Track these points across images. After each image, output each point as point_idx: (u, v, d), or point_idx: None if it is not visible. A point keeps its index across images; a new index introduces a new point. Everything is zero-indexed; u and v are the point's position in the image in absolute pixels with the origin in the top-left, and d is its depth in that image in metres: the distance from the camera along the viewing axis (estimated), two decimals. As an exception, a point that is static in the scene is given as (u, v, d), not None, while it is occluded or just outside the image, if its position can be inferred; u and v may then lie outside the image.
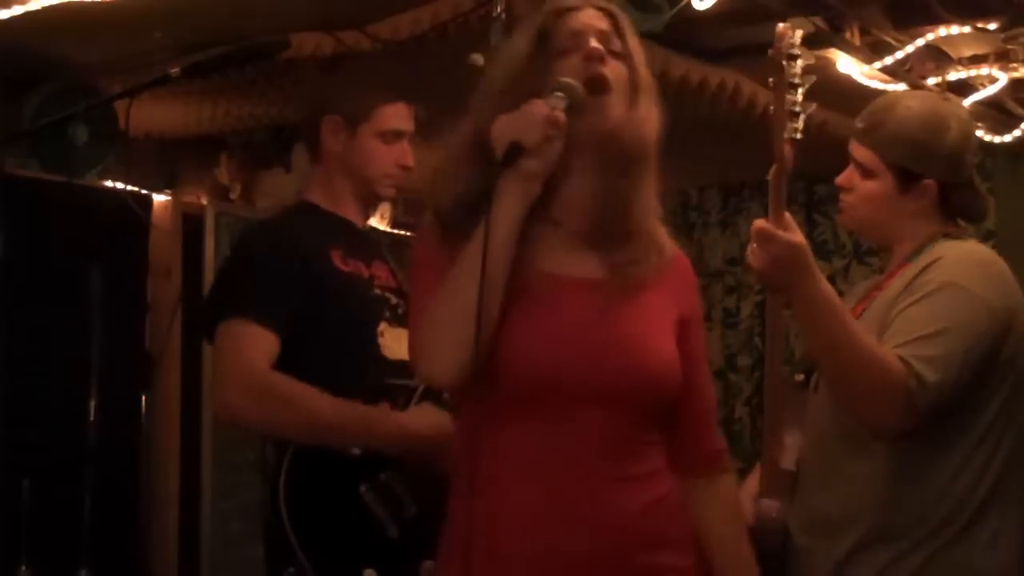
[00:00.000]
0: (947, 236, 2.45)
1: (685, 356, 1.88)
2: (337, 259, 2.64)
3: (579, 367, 1.76)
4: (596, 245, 1.85)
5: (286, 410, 2.49)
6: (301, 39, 3.51)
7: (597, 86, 1.80)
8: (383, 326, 2.64)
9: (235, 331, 2.52)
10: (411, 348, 1.85)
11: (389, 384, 2.59)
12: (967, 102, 4.57)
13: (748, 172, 5.68)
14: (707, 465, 1.96)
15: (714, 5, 3.38)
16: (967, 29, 3.96)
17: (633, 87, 1.84)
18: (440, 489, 2.56)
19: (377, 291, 2.69)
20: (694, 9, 3.37)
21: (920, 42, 4.04)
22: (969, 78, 4.42)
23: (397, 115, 2.71)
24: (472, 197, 1.77)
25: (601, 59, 1.81)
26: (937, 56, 4.27)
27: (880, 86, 4.12)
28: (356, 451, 2.49)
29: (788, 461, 2.49)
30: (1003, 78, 4.39)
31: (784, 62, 2.11)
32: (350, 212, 2.75)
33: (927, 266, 2.36)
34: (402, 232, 5.69)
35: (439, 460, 2.51)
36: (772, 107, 2.15)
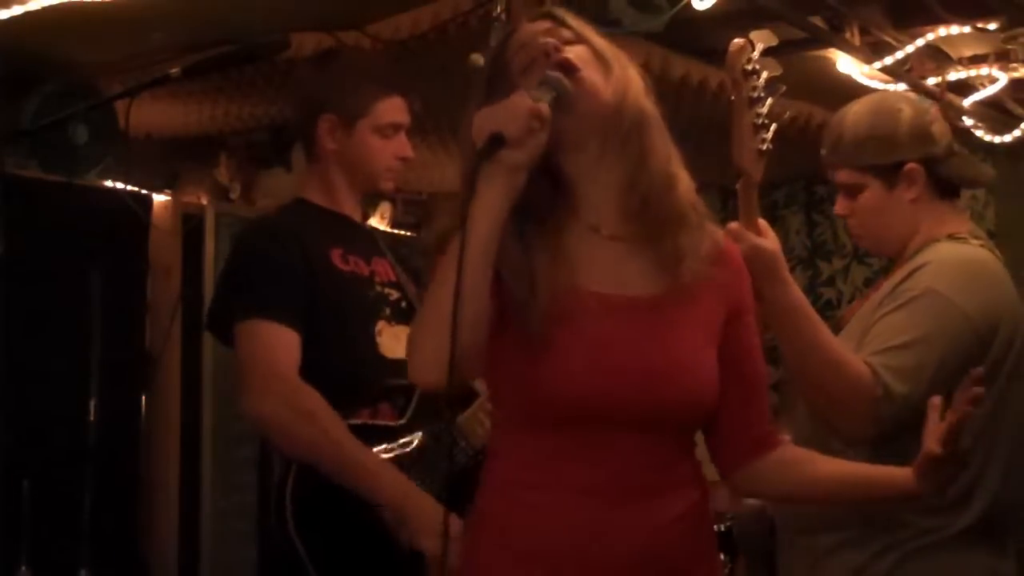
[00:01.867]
0: (951, 237, 2.44)
1: (732, 349, 1.87)
2: (337, 259, 2.63)
3: (622, 398, 1.75)
4: (641, 244, 1.83)
5: (310, 426, 2.46)
6: (301, 39, 3.52)
7: (565, 69, 1.78)
8: (381, 325, 2.63)
9: (259, 333, 2.50)
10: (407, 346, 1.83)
11: (388, 384, 2.59)
12: (967, 102, 4.58)
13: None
14: (758, 448, 1.92)
15: (714, 5, 3.37)
16: (967, 29, 3.96)
17: (601, 60, 1.82)
18: (446, 493, 2.57)
19: (378, 288, 2.68)
20: (694, 9, 3.36)
21: (920, 42, 4.04)
22: (969, 78, 4.42)
23: (393, 108, 2.69)
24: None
25: (557, 49, 1.80)
26: (937, 56, 4.28)
27: (880, 86, 4.12)
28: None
29: None
30: (1003, 78, 4.40)
31: (742, 79, 2.05)
32: (348, 207, 2.74)
33: (913, 271, 2.35)
34: (402, 232, 5.69)
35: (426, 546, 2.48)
36: (732, 124, 2.10)
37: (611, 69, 1.81)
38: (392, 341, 2.63)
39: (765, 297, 2.12)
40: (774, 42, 2.07)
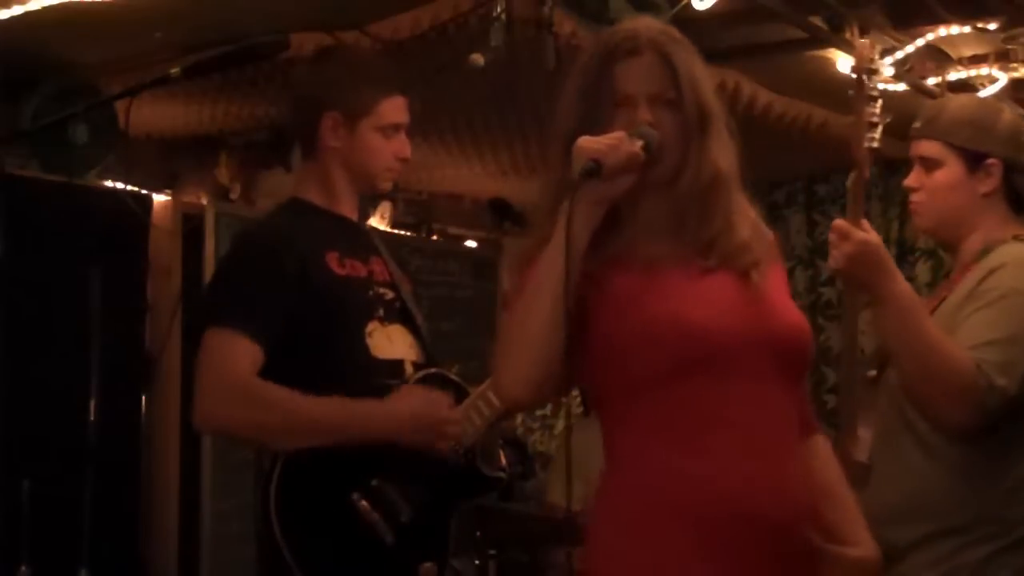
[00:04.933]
0: (1016, 238, 2.50)
1: None
2: (333, 262, 2.62)
3: (742, 331, 1.82)
4: (699, 246, 1.91)
5: (269, 413, 2.47)
6: (301, 39, 3.51)
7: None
8: (373, 325, 2.62)
9: (219, 341, 2.49)
10: (493, 362, 1.89)
11: (379, 384, 2.58)
12: (967, 102, 4.57)
13: (748, 172, 5.67)
14: (803, 429, 1.97)
15: (714, 5, 3.38)
16: (967, 29, 3.97)
17: (685, 133, 1.88)
18: (433, 491, 2.58)
19: (375, 289, 2.67)
20: (694, 9, 3.37)
21: (920, 42, 4.04)
22: (969, 78, 4.42)
23: (396, 108, 2.69)
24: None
25: (651, 125, 1.86)
26: (937, 56, 4.28)
27: (880, 86, 4.12)
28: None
29: (862, 453, 2.52)
30: (1003, 78, 4.40)
31: (864, 77, 2.21)
32: (345, 207, 2.73)
33: (991, 272, 2.43)
34: (402, 232, 5.70)
35: (432, 440, 2.52)
36: (854, 118, 2.27)
37: (690, 143, 1.88)
38: (384, 341, 2.62)
39: (874, 290, 2.25)
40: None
